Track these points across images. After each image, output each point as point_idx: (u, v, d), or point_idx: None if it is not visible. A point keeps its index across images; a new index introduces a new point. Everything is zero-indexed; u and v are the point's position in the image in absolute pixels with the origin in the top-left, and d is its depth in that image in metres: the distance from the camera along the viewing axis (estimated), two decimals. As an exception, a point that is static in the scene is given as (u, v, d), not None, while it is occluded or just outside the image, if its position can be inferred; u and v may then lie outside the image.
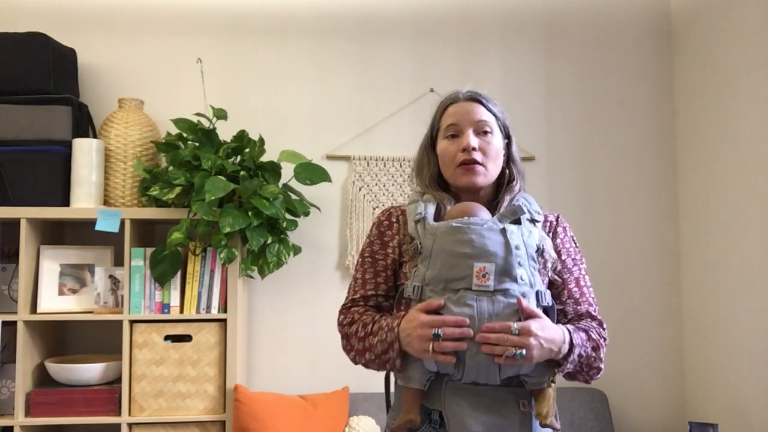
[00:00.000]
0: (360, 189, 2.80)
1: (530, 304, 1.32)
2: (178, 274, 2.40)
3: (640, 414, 2.87)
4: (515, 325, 1.26)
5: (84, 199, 2.43)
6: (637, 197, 2.93)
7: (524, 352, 1.25)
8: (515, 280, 1.32)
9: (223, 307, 2.43)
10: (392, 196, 2.81)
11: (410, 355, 1.33)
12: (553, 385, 1.36)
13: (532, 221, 1.44)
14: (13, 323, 2.33)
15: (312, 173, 2.59)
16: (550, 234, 1.49)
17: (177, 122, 2.49)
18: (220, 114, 2.54)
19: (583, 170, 2.92)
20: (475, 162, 1.44)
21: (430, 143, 1.55)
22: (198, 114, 2.54)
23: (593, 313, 1.48)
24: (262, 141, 2.56)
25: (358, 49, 2.88)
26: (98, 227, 2.36)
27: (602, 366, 1.42)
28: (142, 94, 2.69)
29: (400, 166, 2.81)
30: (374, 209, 2.79)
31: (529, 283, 1.34)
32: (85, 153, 2.44)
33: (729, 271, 2.59)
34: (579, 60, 2.96)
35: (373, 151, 2.82)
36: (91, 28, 2.77)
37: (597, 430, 2.61)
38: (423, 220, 1.41)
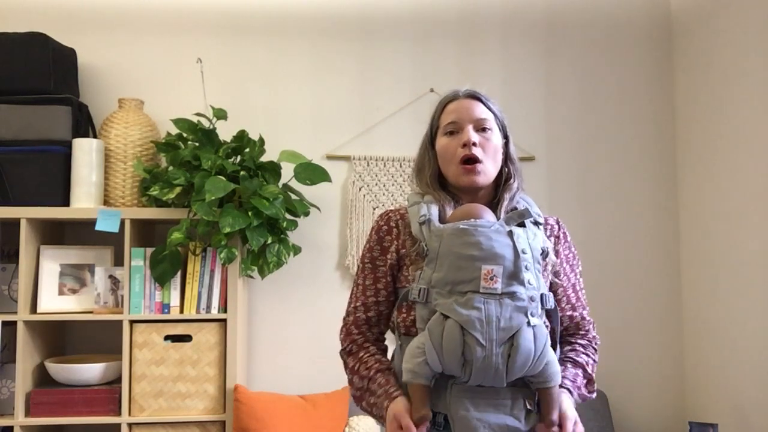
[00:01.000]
0: (360, 189, 2.80)
1: (536, 308, 1.32)
2: (178, 274, 2.41)
3: (640, 414, 2.87)
4: None
5: (84, 199, 2.43)
6: (637, 197, 2.93)
7: None
8: (523, 283, 1.31)
9: (223, 307, 2.43)
10: (392, 196, 2.81)
11: (415, 354, 1.31)
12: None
13: (536, 224, 1.44)
14: (13, 323, 2.33)
15: (312, 173, 2.59)
16: (552, 238, 1.49)
17: (177, 122, 2.49)
18: (220, 114, 2.54)
19: (583, 170, 2.92)
20: (476, 159, 1.44)
21: (430, 141, 1.55)
22: (198, 114, 2.54)
23: (586, 316, 1.54)
24: (262, 141, 2.56)
25: (358, 49, 2.88)
26: (98, 227, 2.36)
27: (594, 391, 1.48)
28: (142, 94, 2.69)
29: (400, 166, 2.81)
30: (374, 209, 2.79)
31: (536, 287, 1.34)
32: (85, 153, 2.44)
33: (729, 271, 2.59)
34: (579, 60, 2.96)
35: (373, 151, 2.82)
36: (91, 28, 2.77)
37: (597, 430, 2.61)
38: (428, 221, 1.40)
